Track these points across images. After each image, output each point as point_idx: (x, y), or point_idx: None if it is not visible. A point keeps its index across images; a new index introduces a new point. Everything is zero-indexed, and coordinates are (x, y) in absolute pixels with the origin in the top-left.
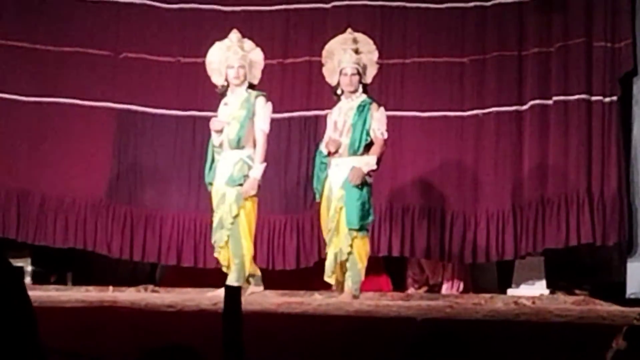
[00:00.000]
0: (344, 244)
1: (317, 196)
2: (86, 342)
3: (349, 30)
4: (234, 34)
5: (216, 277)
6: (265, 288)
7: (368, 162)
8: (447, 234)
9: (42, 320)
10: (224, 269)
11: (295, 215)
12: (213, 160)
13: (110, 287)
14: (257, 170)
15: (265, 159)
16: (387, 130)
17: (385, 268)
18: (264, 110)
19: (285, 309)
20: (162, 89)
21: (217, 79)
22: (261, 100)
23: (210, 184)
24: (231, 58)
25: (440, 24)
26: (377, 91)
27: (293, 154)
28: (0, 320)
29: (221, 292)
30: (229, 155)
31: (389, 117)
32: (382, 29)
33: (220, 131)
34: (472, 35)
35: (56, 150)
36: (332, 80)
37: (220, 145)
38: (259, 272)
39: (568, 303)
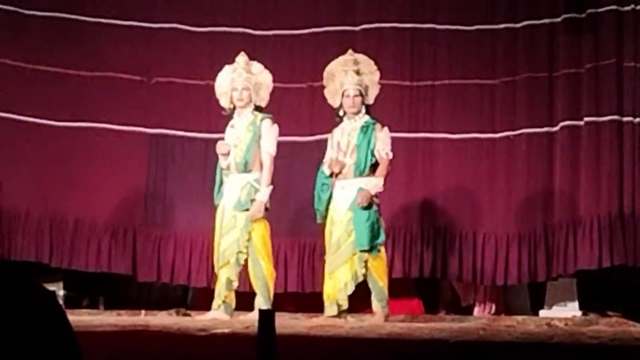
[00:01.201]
0: (358, 267)
1: (319, 217)
2: None
3: (350, 51)
4: (241, 57)
5: (247, 300)
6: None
7: (376, 184)
8: (479, 256)
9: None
10: (228, 298)
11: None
12: (222, 182)
13: (143, 311)
14: (264, 193)
15: (273, 182)
16: (393, 151)
17: (417, 291)
18: (270, 133)
19: (318, 331)
20: (193, 112)
21: (225, 102)
22: (267, 122)
23: (217, 205)
24: (236, 80)
25: (470, 45)
26: (407, 113)
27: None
28: (43, 348)
29: (252, 315)
30: (236, 178)
31: (419, 139)
32: (412, 50)
33: (226, 154)
34: (502, 57)
35: (89, 175)
36: (334, 102)
37: (228, 168)
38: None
39: (601, 324)
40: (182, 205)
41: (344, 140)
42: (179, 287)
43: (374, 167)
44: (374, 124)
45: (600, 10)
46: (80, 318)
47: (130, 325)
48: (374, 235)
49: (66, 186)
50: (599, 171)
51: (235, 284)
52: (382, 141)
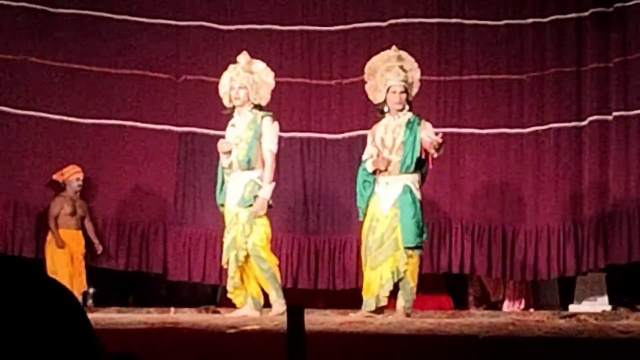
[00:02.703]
0: (401, 263)
1: (361, 214)
2: None
3: (394, 47)
4: (242, 56)
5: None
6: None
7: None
8: (508, 251)
9: (103, 342)
10: (231, 294)
11: (335, 235)
12: (223, 181)
13: (172, 309)
14: (266, 190)
15: (275, 179)
16: (443, 142)
17: (446, 287)
18: (271, 131)
19: (347, 328)
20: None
21: (226, 101)
22: (268, 120)
23: (222, 205)
24: (234, 79)
25: (498, 40)
26: (434, 108)
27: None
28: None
29: (274, 312)
30: (239, 176)
31: (447, 134)
32: (440, 46)
33: (228, 153)
34: (530, 52)
35: (116, 173)
36: (374, 97)
37: (230, 167)
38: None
39: (631, 319)
40: (212, 203)
41: (388, 137)
42: (208, 285)
43: (418, 162)
44: (419, 119)
45: (628, 4)
46: (110, 316)
47: (159, 322)
48: (419, 232)
49: (94, 184)
50: (628, 165)
51: (236, 281)
52: (430, 130)
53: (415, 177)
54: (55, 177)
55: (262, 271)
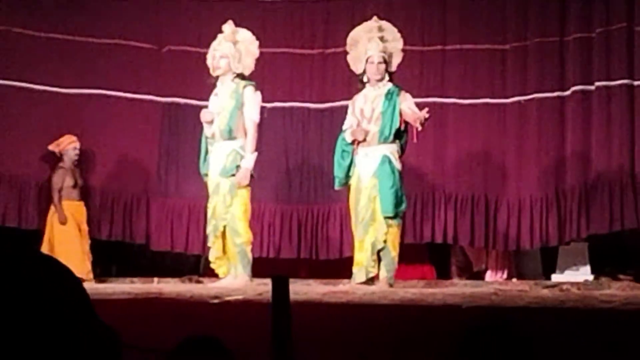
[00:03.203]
0: (380, 233)
1: (337, 183)
2: (132, 334)
3: (375, 18)
4: (227, 25)
5: (259, 266)
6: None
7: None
8: (491, 221)
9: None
10: (214, 264)
11: (317, 205)
12: (207, 151)
13: (155, 279)
14: (249, 160)
15: (258, 148)
16: (429, 117)
17: (429, 256)
18: (253, 100)
19: (330, 298)
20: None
21: (212, 71)
22: (250, 90)
23: (206, 174)
24: (215, 49)
25: (481, 10)
26: (417, 78)
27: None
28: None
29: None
30: (221, 146)
31: (430, 104)
32: (422, 16)
33: (210, 122)
34: (513, 22)
35: (99, 143)
36: (356, 68)
37: (213, 136)
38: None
39: (613, 288)
40: (195, 173)
41: (367, 108)
42: (191, 255)
43: (398, 133)
44: (398, 90)
45: None
46: (93, 286)
47: (143, 293)
48: (397, 201)
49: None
50: (610, 136)
51: (217, 250)
52: (410, 101)
53: (394, 147)
54: (51, 147)
55: (234, 245)
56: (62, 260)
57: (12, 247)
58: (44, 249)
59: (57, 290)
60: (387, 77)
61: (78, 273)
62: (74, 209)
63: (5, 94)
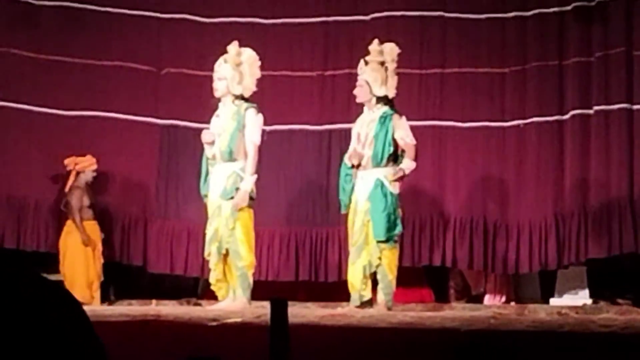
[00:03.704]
0: (373, 257)
1: (343, 207)
2: (131, 357)
3: (376, 41)
4: (231, 46)
5: (258, 288)
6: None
7: (402, 167)
8: (490, 245)
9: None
10: (214, 287)
11: (316, 228)
12: (207, 172)
13: (154, 301)
14: (248, 182)
15: (257, 171)
16: (417, 140)
17: (427, 280)
18: (254, 122)
19: (329, 321)
20: (204, 103)
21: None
22: (251, 112)
23: (206, 195)
24: (215, 70)
25: (480, 34)
26: (416, 101)
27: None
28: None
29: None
30: (222, 168)
31: (428, 127)
32: (422, 39)
33: (211, 143)
34: (512, 46)
35: (98, 164)
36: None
37: (214, 158)
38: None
39: (612, 312)
40: (194, 196)
41: (363, 132)
42: (190, 277)
43: (393, 157)
44: (391, 114)
45: None
46: (91, 308)
47: (141, 315)
48: (390, 225)
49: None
50: (609, 160)
51: (218, 273)
52: (403, 129)
53: (389, 170)
54: (67, 164)
55: (236, 268)
56: (74, 281)
57: (11, 270)
58: (62, 269)
59: (55, 313)
60: (374, 101)
61: (88, 295)
62: (89, 228)
63: (4, 116)
